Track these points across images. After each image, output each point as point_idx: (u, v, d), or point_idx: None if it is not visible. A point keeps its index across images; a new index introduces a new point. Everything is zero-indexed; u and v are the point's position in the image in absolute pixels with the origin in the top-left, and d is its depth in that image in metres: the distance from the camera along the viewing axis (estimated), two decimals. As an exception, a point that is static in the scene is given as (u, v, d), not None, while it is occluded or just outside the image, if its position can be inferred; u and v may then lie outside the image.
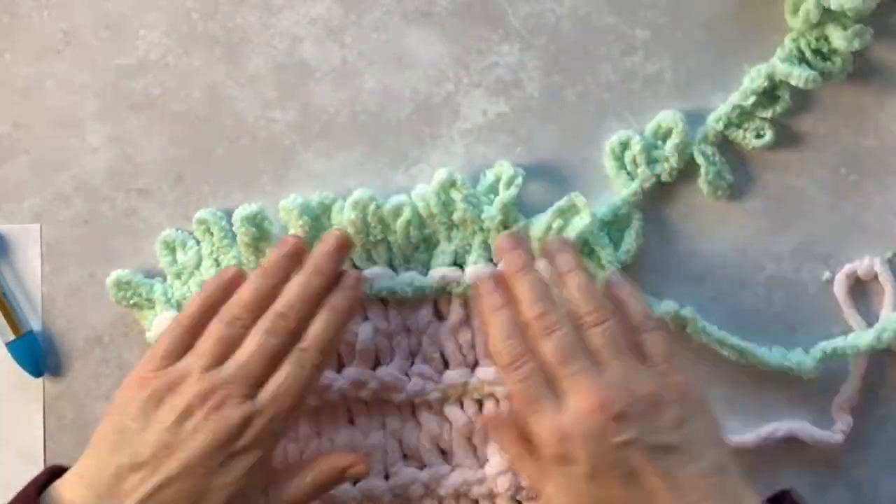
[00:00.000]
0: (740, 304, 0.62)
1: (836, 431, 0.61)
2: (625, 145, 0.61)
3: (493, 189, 0.60)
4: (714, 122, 0.61)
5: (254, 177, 0.62)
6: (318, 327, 0.56)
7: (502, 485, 0.60)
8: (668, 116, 0.60)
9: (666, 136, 0.61)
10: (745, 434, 0.61)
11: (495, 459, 0.60)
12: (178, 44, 0.62)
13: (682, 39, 0.62)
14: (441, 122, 0.62)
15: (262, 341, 0.54)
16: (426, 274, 0.60)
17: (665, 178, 0.61)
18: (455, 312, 0.60)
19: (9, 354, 0.61)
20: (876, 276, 0.61)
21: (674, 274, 0.61)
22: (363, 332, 0.60)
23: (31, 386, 0.62)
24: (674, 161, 0.60)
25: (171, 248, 0.61)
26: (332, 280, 0.57)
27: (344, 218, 0.59)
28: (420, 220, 0.60)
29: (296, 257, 0.57)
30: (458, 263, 0.61)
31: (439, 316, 0.61)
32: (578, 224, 0.59)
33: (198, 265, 0.61)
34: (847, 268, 0.61)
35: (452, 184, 0.59)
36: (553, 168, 0.61)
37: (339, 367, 0.61)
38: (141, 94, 0.62)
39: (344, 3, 0.62)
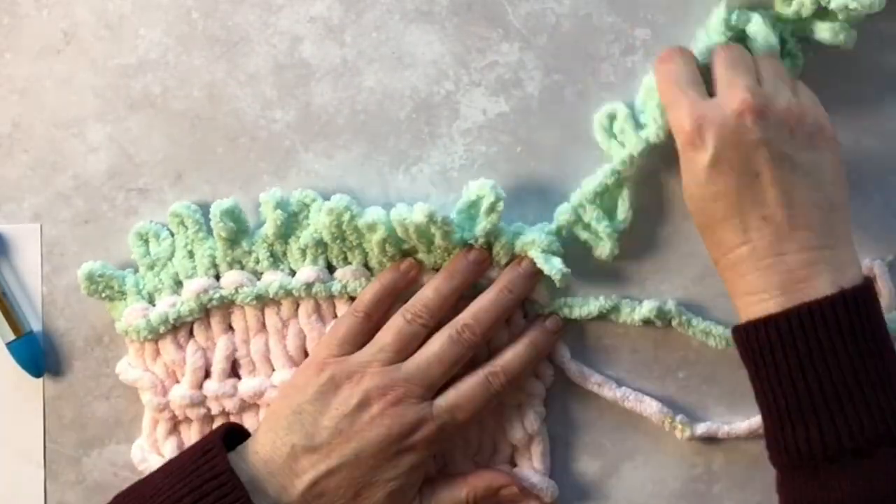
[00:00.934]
0: (740, 303, 0.62)
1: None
2: (612, 117, 0.60)
3: (475, 205, 0.59)
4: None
5: (254, 176, 0.62)
6: (512, 357, 0.57)
7: None
8: (650, 81, 0.59)
9: (650, 99, 0.59)
10: (735, 423, 0.61)
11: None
12: (178, 43, 0.62)
13: (682, 39, 0.61)
14: (441, 121, 0.62)
15: (445, 348, 0.56)
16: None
17: (653, 139, 0.59)
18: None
19: (9, 354, 0.61)
20: (875, 278, 0.61)
21: (674, 274, 0.61)
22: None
23: (31, 386, 0.62)
24: (660, 120, 0.58)
25: (144, 240, 0.61)
26: (520, 301, 0.58)
27: (319, 221, 0.59)
28: (397, 239, 0.59)
29: (480, 266, 0.58)
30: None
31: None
32: (556, 263, 0.58)
33: (171, 257, 0.61)
34: (847, 268, 0.61)
35: (432, 223, 0.57)
36: (553, 168, 0.62)
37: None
38: (141, 94, 0.62)
39: (344, 2, 0.62)
